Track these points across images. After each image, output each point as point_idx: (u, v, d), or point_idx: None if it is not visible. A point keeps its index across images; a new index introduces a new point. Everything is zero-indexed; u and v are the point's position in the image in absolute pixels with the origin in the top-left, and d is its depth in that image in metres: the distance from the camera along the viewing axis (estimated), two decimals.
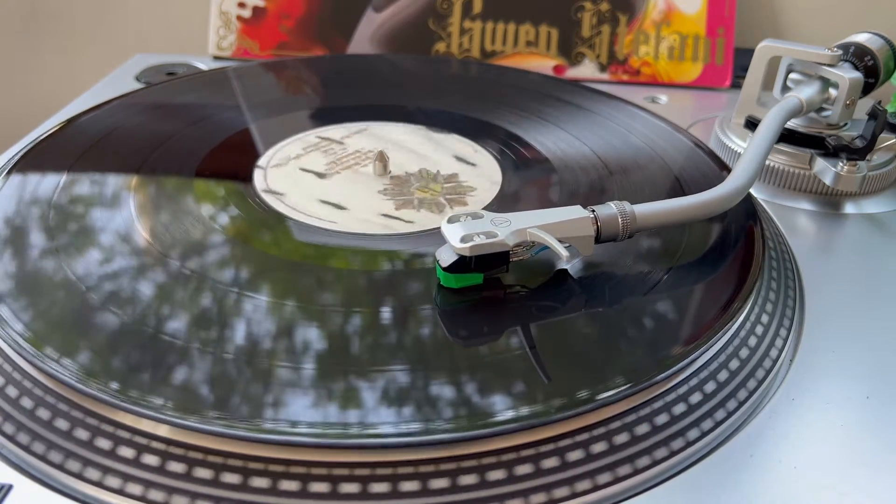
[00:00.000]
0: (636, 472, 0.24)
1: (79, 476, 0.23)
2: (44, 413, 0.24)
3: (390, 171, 0.37)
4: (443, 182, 0.36)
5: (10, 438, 0.24)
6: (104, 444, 0.23)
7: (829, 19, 0.59)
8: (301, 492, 0.22)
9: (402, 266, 0.31)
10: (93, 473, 0.23)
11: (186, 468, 0.23)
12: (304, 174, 0.37)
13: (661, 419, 0.25)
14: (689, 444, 0.25)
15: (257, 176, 0.37)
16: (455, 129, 0.42)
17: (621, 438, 0.24)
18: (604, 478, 0.23)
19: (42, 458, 0.24)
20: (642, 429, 0.24)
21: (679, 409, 0.25)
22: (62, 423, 0.24)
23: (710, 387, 0.26)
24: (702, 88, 0.55)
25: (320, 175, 0.37)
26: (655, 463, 0.24)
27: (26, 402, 0.25)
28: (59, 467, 0.23)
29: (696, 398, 0.26)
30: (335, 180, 0.37)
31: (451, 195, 0.36)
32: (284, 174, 0.37)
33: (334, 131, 0.41)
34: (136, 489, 0.23)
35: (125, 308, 0.27)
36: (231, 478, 0.22)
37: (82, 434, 0.24)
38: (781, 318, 0.30)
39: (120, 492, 0.23)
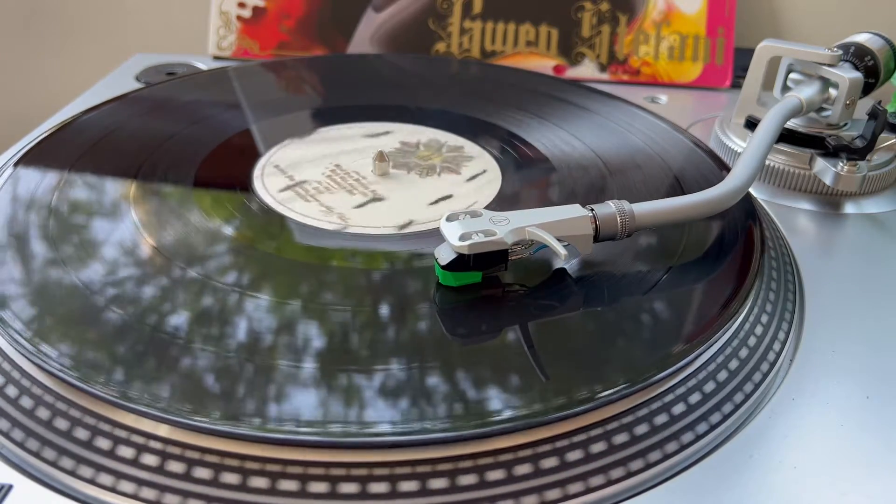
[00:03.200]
0: (636, 471, 0.24)
1: (78, 476, 0.23)
2: (44, 413, 0.24)
3: (390, 172, 0.37)
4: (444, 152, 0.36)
5: (11, 438, 0.24)
6: (104, 443, 0.23)
7: (829, 19, 0.59)
8: (300, 492, 0.22)
9: (401, 265, 0.31)
10: (92, 473, 0.23)
11: (186, 468, 0.23)
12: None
13: (661, 419, 0.25)
14: (689, 443, 0.25)
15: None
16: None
17: (621, 438, 0.24)
18: (604, 478, 0.23)
19: (42, 458, 0.24)
20: (642, 429, 0.24)
21: (679, 408, 0.25)
22: (62, 423, 0.24)
23: (709, 387, 0.26)
24: (702, 88, 0.55)
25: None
26: (655, 463, 0.24)
27: (26, 402, 0.25)
28: (59, 467, 0.23)
29: (695, 398, 0.26)
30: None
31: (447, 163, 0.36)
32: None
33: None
34: (133, 489, 0.23)
35: (124, 307, 0.27)
36: (231, 478, 0.22)
37: (82, 434, 0.24)
38: (781, 318, 0.30)
39: (118, 491, 0.23)
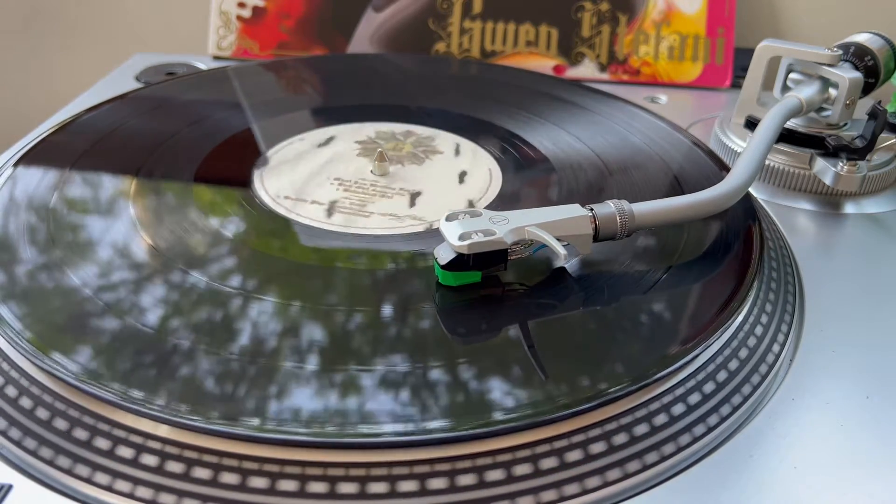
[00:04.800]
0: (636, 471, 0.24)
1: (78, 476, 0.23)
2: (43, 413, 0.24)
3: (389, 172, 0.37)
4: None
5: (10, 439, 0.24)
6: (103, 443, 0.23)
7: (829, 19, 0.59)
8: (299, 492, 0.22)
9: (402, 265, 0.31)
10: (93, 474, 0.23)
11: (185, 468, 0.23)
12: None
13: (661, 418, 0.25)
14: (690, 443, 0.25)
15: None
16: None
17: (621, 438, 0.24)
18: (604, 477, 0.23)
19: (42, 458, 0.24)
20: (642, 428, 0.24)
21: (679, 408, 0.25)
22: (62, 423, 0.24)
23: (709, 386, 0.26)
24: (702, 88, 0.55)
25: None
26: (655, 462, 0.24)
27: (26, 402, 0.25)
28: (59, 467, 0.23)
29: (695, 398, 0.26)
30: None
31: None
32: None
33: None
34: (141, 492, 0.23)
35: (122, 307, 0.27)
36: (230, 478, 0.22)
37: (82, 434, 0.24)
38: (781, 318, 0.30)
39: (118, 492, 0.23)
